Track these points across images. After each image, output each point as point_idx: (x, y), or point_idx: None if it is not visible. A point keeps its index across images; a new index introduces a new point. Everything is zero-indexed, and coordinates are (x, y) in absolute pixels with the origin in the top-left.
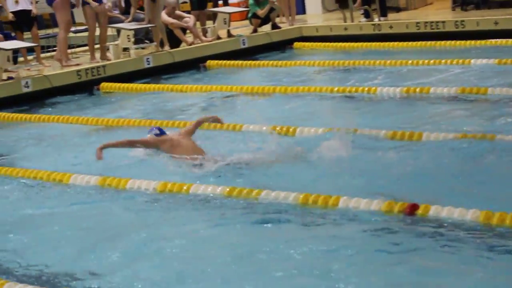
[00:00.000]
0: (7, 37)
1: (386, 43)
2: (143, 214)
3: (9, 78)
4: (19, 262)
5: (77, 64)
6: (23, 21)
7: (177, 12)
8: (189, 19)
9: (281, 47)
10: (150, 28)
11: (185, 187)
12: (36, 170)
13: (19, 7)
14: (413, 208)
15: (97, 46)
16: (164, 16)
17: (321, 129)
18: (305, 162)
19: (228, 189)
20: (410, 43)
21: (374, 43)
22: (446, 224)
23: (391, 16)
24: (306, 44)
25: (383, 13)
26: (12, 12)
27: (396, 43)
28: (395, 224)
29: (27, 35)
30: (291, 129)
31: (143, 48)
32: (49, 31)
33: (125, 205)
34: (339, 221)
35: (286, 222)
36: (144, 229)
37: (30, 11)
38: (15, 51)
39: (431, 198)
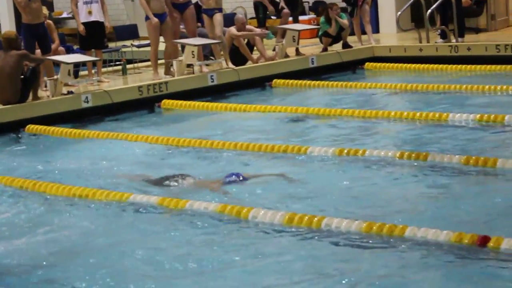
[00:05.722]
0: (69, 51)
1: (463, 66)
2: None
3: (69, 92)
4: None
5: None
6: (94, 33)
7: (248, 27)
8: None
9: (351, 67)
10: (212, 45)
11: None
12: (93, 190)
13: (92, 18)
14: (484, 240)
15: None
16: (233, 31)
17: (390, 152)
18: (372, 187)
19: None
20: (488, 66)
21: (450, 66)
22: None
23: (470, 37)
24: (378, 64)
25: (461, 34)
26: (84, 23)
27: (474, 66)
28: (463, 255)
29: None
30: (359, 152)
31: (207, 65)
32: (112, 45)
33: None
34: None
35: (349, 251)
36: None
37: (102, 23)
38: (76, 65)
39: (504, 229)
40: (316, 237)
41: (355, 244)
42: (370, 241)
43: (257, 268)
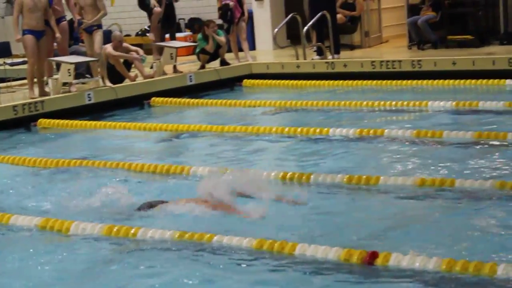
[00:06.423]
0: None
1: (340, 82)
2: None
3: None
4: None
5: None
6: None
7: (125, 44)
8: (136, 53)
9: (229, 84)
10: (89, 62)
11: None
12: None
13: None
14: (373, 256)
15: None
16: (109, 49)
17: (274, 172)
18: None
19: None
20: (365, 82)
21: (327, 82)
22: (407, 273)
23: (345, 54)
24: (256, 81)
25: (337, 51)
26: None
27: (350, 81)
28: (353, 272)
29: None
30: None
31: (83, 83)
32: None
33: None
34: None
35: (239, 268)
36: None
37: None
38: None
39: (389, 245)
40: (206, 254)
41: (246, 262)
42: (261, 258)
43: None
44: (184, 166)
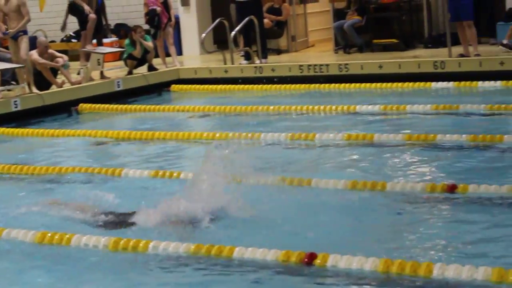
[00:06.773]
0: None
1: (268, 86)
2: None
3: None
4: None
5: None
6: None
7: (50, 51)
8: (61, 59)
9: (158, 89)
10: (15, 69)
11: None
12: None
13: None
14: (311, 257)
15: None
16: (35, 55)
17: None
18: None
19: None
20: (293, 86)
21: (255, 86)
22: (345, 273)
23: (272, 58)
24: (184, 86)
25: (264, 55)
26: None
27: (278, 86)
28: (292, 274)
29: None
30: (174, 174)
31: (9, 90)
32: None
33: None
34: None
35: (177, 274)
36: None
37: None
38: None
39: (324, 247)
40: (142, 261)
41: (184, 267)
42: (199, 264)
43: None
44: (115, 169)
